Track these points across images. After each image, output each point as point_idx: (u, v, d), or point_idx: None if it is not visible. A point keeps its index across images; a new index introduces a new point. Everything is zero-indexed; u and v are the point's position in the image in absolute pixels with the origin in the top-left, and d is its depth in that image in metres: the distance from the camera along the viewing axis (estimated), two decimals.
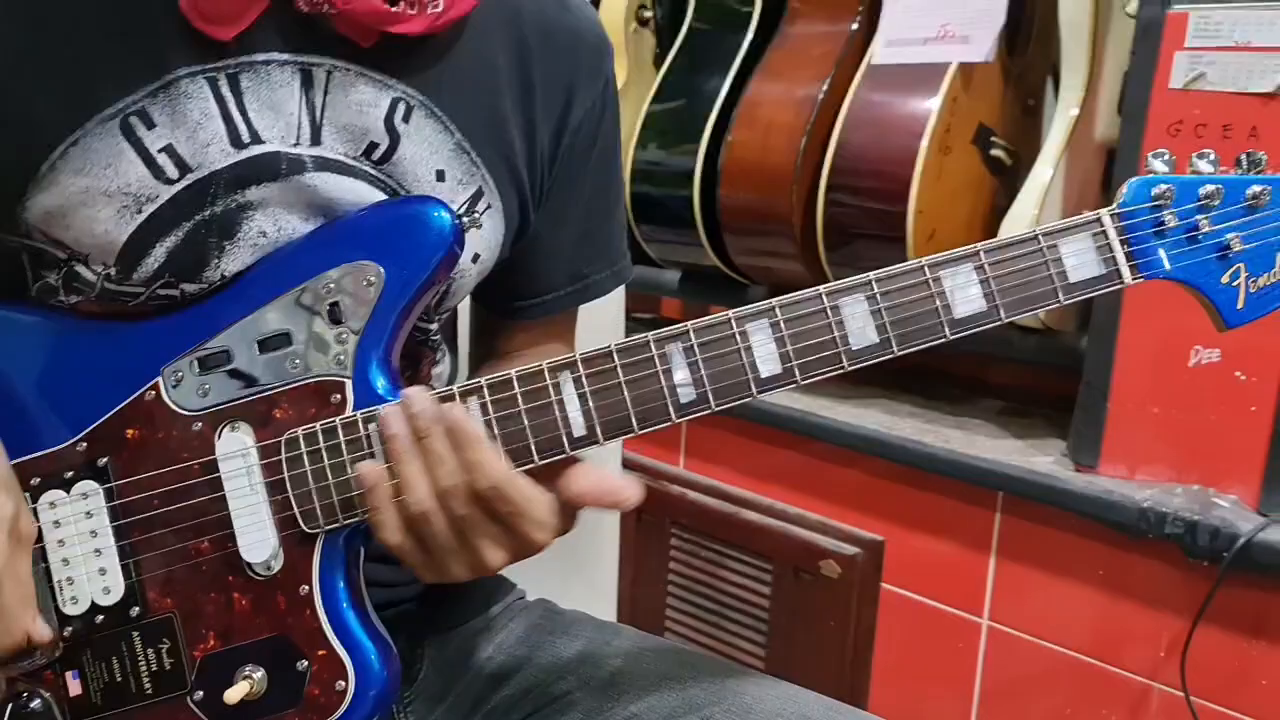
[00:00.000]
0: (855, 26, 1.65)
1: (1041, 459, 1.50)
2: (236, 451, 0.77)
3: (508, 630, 0.98)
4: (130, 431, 0.78)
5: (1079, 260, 0.74)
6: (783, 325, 0.74)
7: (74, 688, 0.78)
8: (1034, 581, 1.49)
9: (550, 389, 0.74)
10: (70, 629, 0.77)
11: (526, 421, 0.74)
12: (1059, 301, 0.75)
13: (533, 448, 0.74)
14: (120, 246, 0.77)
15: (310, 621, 0.77)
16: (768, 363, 0.74)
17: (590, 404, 0.74)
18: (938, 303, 0.74)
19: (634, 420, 0.74)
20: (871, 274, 0.74)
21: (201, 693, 0.77)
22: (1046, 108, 1.74)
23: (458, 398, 0.74)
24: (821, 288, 0.74)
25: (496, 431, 0.74)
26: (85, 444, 0.78)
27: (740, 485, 1.80)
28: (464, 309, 1.06)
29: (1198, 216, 0.74)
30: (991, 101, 1.62)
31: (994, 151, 1.63)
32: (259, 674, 0.77)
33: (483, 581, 1.00)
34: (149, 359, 0.79)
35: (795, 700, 0.85)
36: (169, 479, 0.77)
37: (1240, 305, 0.75)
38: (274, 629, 0.77)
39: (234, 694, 0.76)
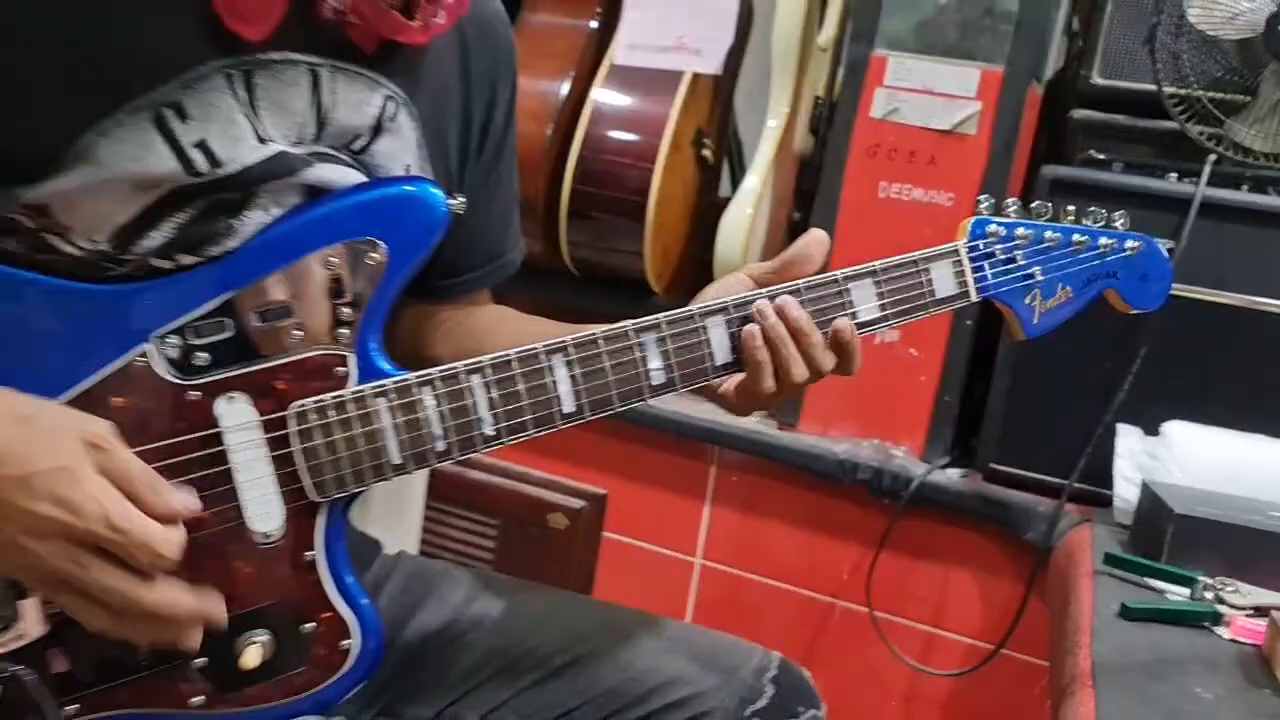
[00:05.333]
0: (595, 24, 1.80)
1: (748, 421, 1.75)
2: (242, 424, 0.78)
3: (392, 583, 1.04)
4: (116, 400, 0.76)
5: (943, 282, 0.96)
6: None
7: (58, 664, 0.75)
8: (743, 524, 1.75)
9: (546, 370, 0.82)
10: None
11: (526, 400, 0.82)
12: (927, 313, 0.96)
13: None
14: (119, 226, 0.76)
15: (314, 586, 0.80)
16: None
17: (580, 384, 0.83)
18: (848, 310, 0.90)
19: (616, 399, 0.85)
20: (801, 282, 0.89)
21: (204, 660, 0.77)
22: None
23: (463, 375, 0.80)
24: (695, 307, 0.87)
25: (500, 407, 0.81)
26: None
27: None
28: None
29: (1016, 252, 0.99)
30: (705, 109, 1.85)
31: (704, 152, 1.86)
32: (266, 637, 0.79)
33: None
34: (136, 324, 0.77)
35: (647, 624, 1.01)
36: (164, 452, 0.76)
37: (1035, 321, 1.00)
38: (278, 595, 0.80)
39: (250, 658, 0.77)
